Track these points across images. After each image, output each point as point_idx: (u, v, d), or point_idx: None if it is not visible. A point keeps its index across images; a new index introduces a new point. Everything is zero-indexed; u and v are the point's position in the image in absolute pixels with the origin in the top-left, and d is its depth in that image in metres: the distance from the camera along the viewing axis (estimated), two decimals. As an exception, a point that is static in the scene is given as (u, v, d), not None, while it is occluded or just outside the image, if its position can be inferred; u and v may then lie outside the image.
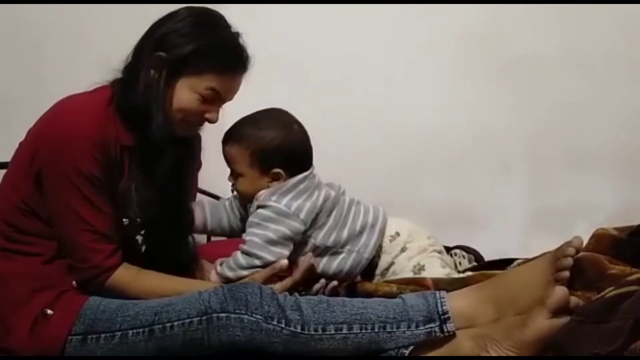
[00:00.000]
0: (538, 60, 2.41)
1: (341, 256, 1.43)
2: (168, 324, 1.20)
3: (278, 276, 1.38)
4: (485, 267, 1.55)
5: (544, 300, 1.12)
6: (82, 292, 1.29)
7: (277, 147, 1.39)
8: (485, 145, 2.45)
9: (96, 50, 2.17)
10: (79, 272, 1.29)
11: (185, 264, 1.44)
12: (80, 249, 1.28)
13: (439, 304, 1.20)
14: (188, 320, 1.20)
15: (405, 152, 2.45)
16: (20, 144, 1.36)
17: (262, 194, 1.39)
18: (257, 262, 1.36)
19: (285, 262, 1.37)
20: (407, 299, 1.23)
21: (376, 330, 1.19)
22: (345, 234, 1.43)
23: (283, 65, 2.47)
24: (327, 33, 2.46)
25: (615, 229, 1.34)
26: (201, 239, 1.62)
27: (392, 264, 1.46)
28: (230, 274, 1.37)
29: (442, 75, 2.46)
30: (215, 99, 1.35)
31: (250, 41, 1.46)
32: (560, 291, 1.12)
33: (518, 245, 2.00)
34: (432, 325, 1.19)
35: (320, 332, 1.19)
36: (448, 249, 1.61)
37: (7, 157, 1.41)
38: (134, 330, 1.21)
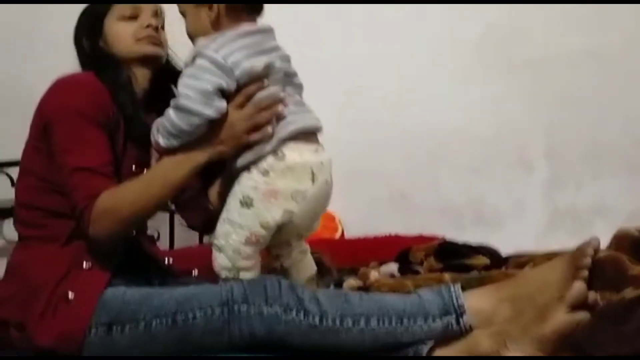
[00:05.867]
0: (557, 58, 2.40)
1: None
2: (190, 314, 1.22)
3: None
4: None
5: (563, 296, 1.12)
6: (96, 272, 1.29)
7: None
8: (504, 143, 2.44)
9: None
10: (78, 223, 1.27)
11: None
12: (72, 192, 1.26)
13: (454, 298, 1.21)
14: (210, 310, 1.21)
15: (424, 149, 2.45)
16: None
17: (201, 41, 1.27)
18: (196, 120, 1.22)
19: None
20: (423, 294, 1.24)
21: (393, 323, 1.20)
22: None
23: (302, 62, 2.47)
24: (347, 30, 2.47)
25: (637, 229, 1.33)
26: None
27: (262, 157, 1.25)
28: (165, 142, 1.23)
29: (462, 72, 2.46)
30: (141, 11, 1.42)
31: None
32: (578, 285, 1.12)
33: (536, 243, 1.99)
34: (448, 318, 1.20)
35: (338, 324, 1.19)
36: (442, 252, 1.59)
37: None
38: (157, 320, 1.23)
